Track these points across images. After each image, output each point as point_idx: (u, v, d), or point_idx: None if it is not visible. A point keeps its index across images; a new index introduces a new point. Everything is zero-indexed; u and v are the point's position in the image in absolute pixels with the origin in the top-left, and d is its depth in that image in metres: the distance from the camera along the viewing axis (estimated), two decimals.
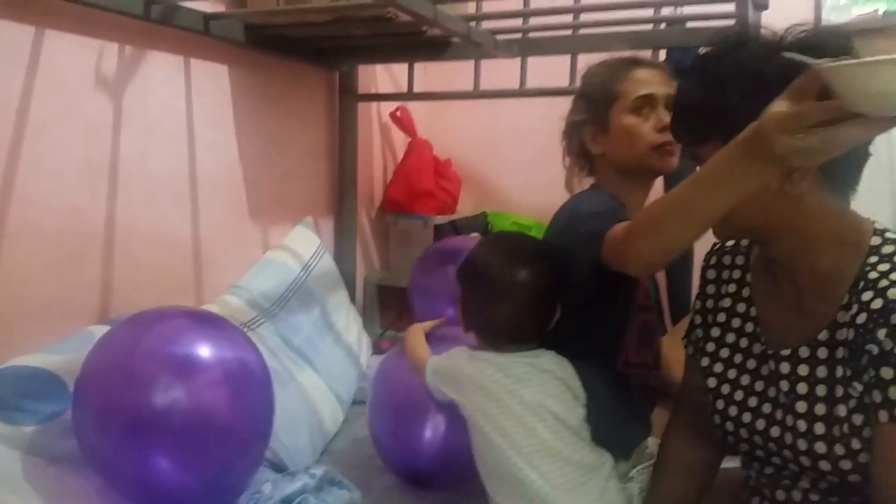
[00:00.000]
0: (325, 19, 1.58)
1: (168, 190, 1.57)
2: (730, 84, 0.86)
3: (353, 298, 2.14)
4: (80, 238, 1.37)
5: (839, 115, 0.66)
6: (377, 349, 2.10)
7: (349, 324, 1.97)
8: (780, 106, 0.70)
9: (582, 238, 1.09)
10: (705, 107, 0.89)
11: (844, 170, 0.88)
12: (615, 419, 1.16)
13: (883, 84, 0.62)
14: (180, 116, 1.59)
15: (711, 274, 1.06)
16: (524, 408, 1.05)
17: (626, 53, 1.37)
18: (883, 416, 0.81)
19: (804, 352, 0.90)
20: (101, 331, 1.34)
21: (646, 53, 1.76)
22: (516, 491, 1.03)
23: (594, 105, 1.29)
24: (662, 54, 1.91)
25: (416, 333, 1.34)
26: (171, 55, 1.56)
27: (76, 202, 1.36)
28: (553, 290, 1.12)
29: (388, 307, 2.43)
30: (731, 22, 1.57)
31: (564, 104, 2.05)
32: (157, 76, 1.52)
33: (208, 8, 1.55)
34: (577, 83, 1.84)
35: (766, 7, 1.48)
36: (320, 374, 1.70)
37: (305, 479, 1.24)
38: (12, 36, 1.23)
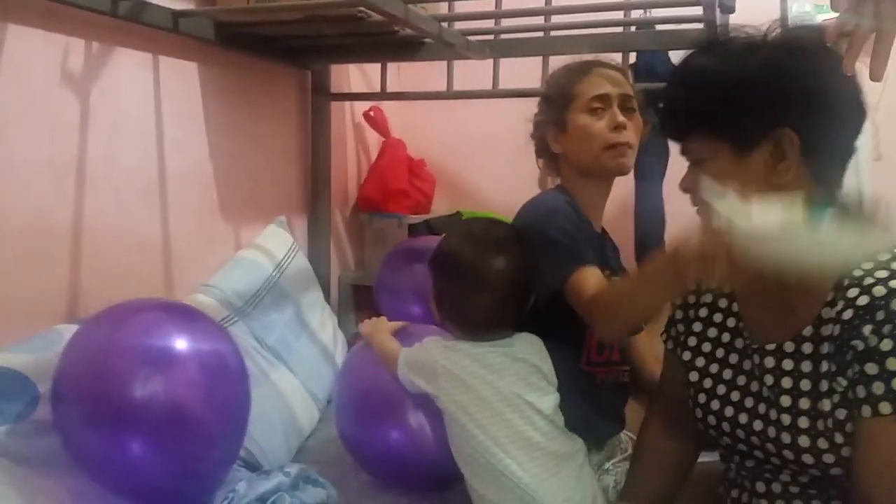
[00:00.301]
0: (295, 18, 1.58)
1: (137, 189, 1.55)
2: (709, 82, 0.91)
3: (327, 298, 2.13)
4: (46, 238, 1.34)
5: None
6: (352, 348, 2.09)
7: (324, 323, 1.96)
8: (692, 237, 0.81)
9: (545, 269, 1.14)
10: (688, 104, 0.94)
11: (829, 165, 0.91)
12: (579, 415, 1.17)
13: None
14: (149, 115, 1.58)
15: None
16: (500, 399, 1.06)
17: (591, 56, 1.40)
18: (866, 410, 0.82)
19: (789, 347, 0.91)
20: (70, 330, 1.32)
21: (616, 56, 1.79)
22: (494, 480, 1.05)
23: (554, 106, 1.34)
24: (632, 57, 1.94)
25: (383, 327, 1.33)
26: (140, 52, 1.54)
27: (42, 201, 1.33)
28: (526, 275, 1.12)
29: (363, 306, 2.43)
30: (700, 25, 1.61)
31: (536, 105, 2.08)
32: (125, 74, 1.50)
33: (177, 5, 1.53)
34: None
35: (732, 11, 1.50)
36: (294, 373, 1.70)
37: (280, 478, 1.24)
38: None
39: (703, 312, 1.05)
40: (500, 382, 1.07)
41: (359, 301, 2.42)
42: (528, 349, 1.13)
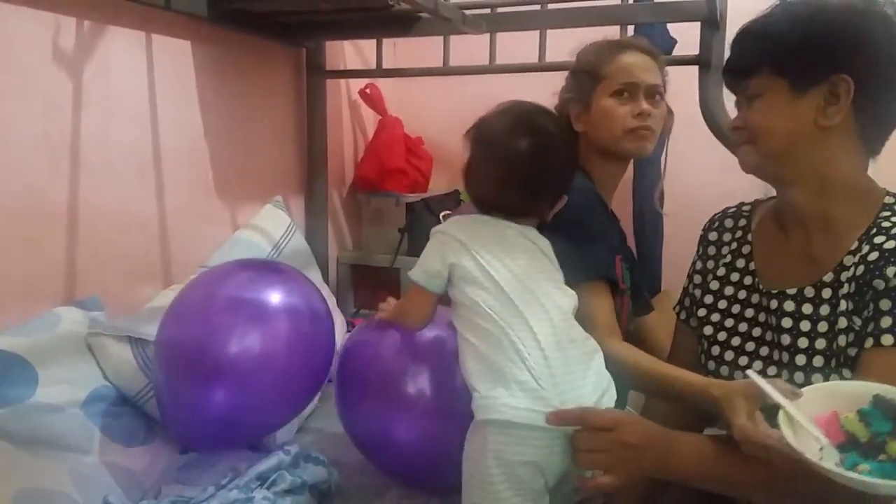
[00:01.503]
0: None
1: (131, 169, 1.54)
2: (785, 22, 0.96)
3: (325, 278, 2.13)
4: (41, 218, 1.33)
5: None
6: (352, 328, 2.09)
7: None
8: (740, 403, 0.83)
9: (574, 256, 1.12)
10: (761, 41, 0.97)
11: (876, 125, 0.96)
12: None
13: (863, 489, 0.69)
14: (142, 94, 1.56)
15: (713, 236, 1.14)
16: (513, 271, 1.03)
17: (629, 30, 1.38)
18: (868, 342, 0.87)
19: (809, 292, 0.96)
20: (67, 312, 1.32)
21: (614, 29, 1.77)
22: (510, 359, 0.96)
23: (581, 84, 1.32)
24: (631, 31, 1.92)
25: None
26: (132, 30, 1.52)
27: (36, 182, 1.32)
28: (553, 169, 1.08)
29: (362, 286, 2.43)
30: None
31: (534, 80, 2.06)
32: (118, 52, 1.48)
33: None
34: (547, 59, 1.86)
35: None
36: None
37: (281, 456, 1.24)
38: None
39: (721, 272, 1.09)
40: (513, 263, 1.03)
41: (357, 281, 2.41)
42: (539, 237, 1.09)
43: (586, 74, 1.32)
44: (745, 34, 1.01)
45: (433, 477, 1.25)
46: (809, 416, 0.77)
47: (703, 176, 2.15)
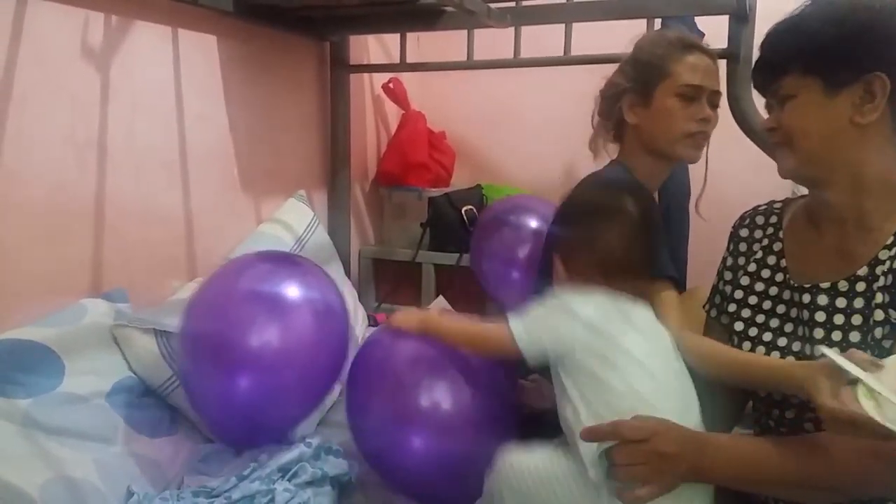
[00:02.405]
0: None
1: (157, 163, 1.55)
2: (817, 22, 0.94)
3: (347, 272, 2.14)
4: (68, 213, 1.35)
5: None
6: (373, 322, 2.10)
7: (344, 297, 1.96)
8: (823, 383, 0.80)
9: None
10: (793, 41, 0.96)
11: None
12: None
13: None
14: (169, 88, 1.57)
15: (744, 233, 1.13)
16: (643, 355, 0.98)
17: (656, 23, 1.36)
18: None
19: (843, 286, 0.95)
20: (94, 304, 1.34)
21: (641, 23, 1.74)
22: None
23: (642, 76, 1.29)
24: (658, 24, 1.90)
25: (433, 314, 1.19)
26: (159, 25, 1.53)
27: (63, 177, 1.34)
28: (654, 222, 1.08)
29: (384, 280, 2.43)
30: None
31: (559, 74, 2.05)
32: (145, 47, 1.50)
33: None
34: (572, 52, 1.84)
35: None
36: None
37: (302, 448, 1.25)
38: None
39: (752, 267, 1.08)
40: (641, 338, 0.99)
41: (379, 275, 2.42)
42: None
43: (651, 67, 1.28)
44: (777, 33, 1.00)
45: (441, 495, 1.20)
46: (892, 387, 0.75)
47: (730, 171, 2.12)
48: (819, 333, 0.96)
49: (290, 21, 1.86)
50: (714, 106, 1.30)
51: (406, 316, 1.19)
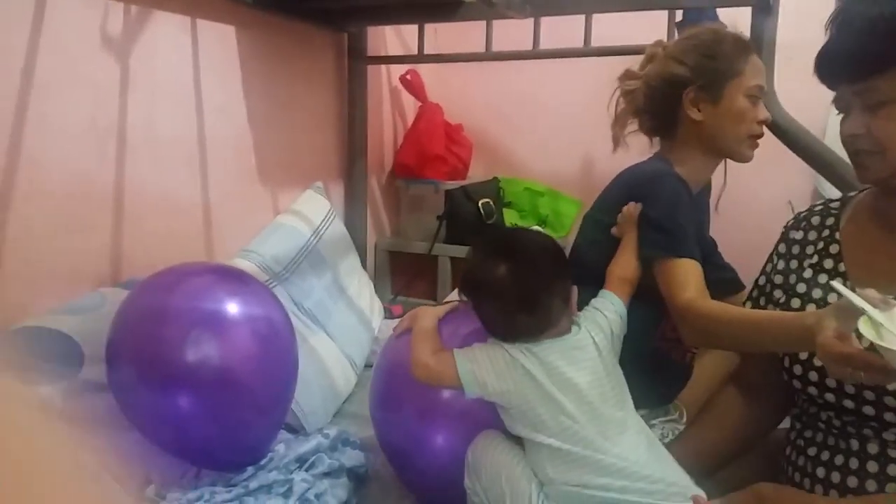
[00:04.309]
0: None
1: (177, 153, 1.55)
2: None
3: (363, 264, 2.14)
4: (88, 201, 1.36)
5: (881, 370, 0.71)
6: (389, 314, 2.10)
7: (361, 288, 1.97)
8: (830, 323, 0.78)
9: (643, 248, 1.13)
10: (883, 41, 0.85)
11: None
12: (640, 384, 1.14)
13: None
14: (188, 78, 1.57)
15: (797, 235, 1.07)
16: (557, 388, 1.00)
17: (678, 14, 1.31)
18: None
19: None
20: (113, 293, 1.35)
21: (662, 14, 1.72)
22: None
23: (713, 72, 1.24)
24: (679, 15, 1.87)
25: (430, 319, 1.19)
26: (178, 15, 1.53)
27: (84, 165, 1.35)
28: (547, 273, 1.04)
29: (399, 273, 2.43)
30: None
31: (578, 66, 2.03)
32: (164, 37, 1.50)
33: None
34: (592, 44, 1.82)
35: None
36: (333, 338, 1.71)
37: (319, 439, 1.25)
38: None
39: (808, 273, 1.03)
40: (558, 377, 1.01)
41: (395, 267, 2.42)
42: (586, 336, 1.06)
43: (721, 63, 1.23)
44: (872, 21, 0.87)
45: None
46: None
47: (752, 167, 2.09)
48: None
49: (308, 12, 1.86)
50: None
51: (411, 316, 1.19)
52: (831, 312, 0.80)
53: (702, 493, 0.93)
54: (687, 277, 1.11)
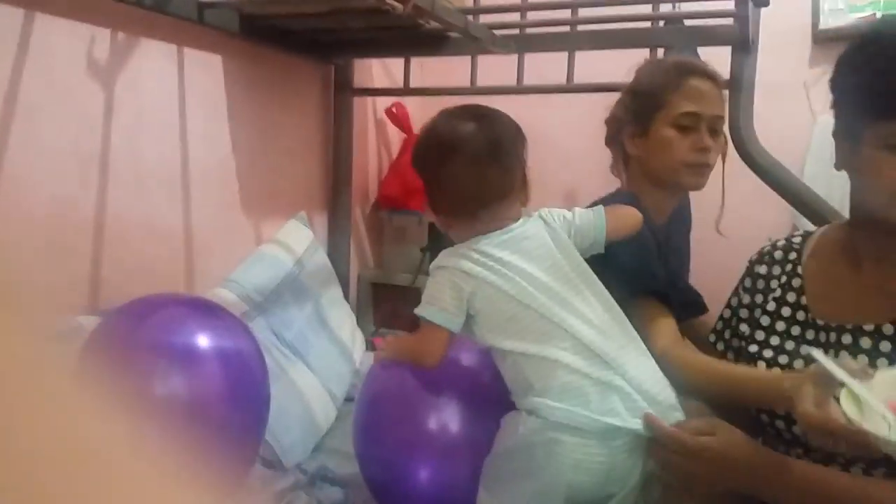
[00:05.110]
0: (321, 10, 1.56)
1: (159, 180, 1.54)
2: None
3: (346, 295, 2.12)
4: (69, 227, 1.34)
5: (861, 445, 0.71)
6: (371, 346, 2.08)
7: (342, 320, 1.95)
8: (808, 390, 0.77)
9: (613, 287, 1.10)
10: None
11: None
12: None
13: None
14: (173, 106, 1.57)
15: (762, 269, 1.08)
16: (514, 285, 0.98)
17: (682, 57, 1.35)
18: None
19: (888, 329, 0.90)
20: (90, 321, 1.32)
21: (643, 53, 1.76)
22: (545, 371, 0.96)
23: (639, 106, 1.28)
24: (660, 53, 1.91)
25: (404, 337, 1.20)
26: (165, 43, 1.53)
27: (66, 191, 1.33)
28: (509, 135, 1.05)
29: (382, 304, 2.41)
30: (730, 21, 1.57)
31: (562, 101, 2.06)
32: (150, 64, 1.50)
33: None
34: (575, 80, 1.85)
35: (766, 4, 1.47)
36: (313, 370, 1.68)
37: (297, 475, 1.23)
38: (1, 18, 1.20)
39: (772, 306, 1.04)
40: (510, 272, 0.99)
41: (378, 299, 2.40)
42: (537, 221, 1.04)
43: (648, 97, 1.26)
44: None
45: None
46: (883, 401, 0.72)
47: (731, 202, 2.12)
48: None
49: (295, 43, 1.87)
50: (716, 131, 1.27)
51: (385, 346, 1.18)
52: (809, 378, 0.80)
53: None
54: (662, 322, 1.11)
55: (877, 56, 0.87)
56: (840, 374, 0.74)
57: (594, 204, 1.26)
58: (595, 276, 1.02)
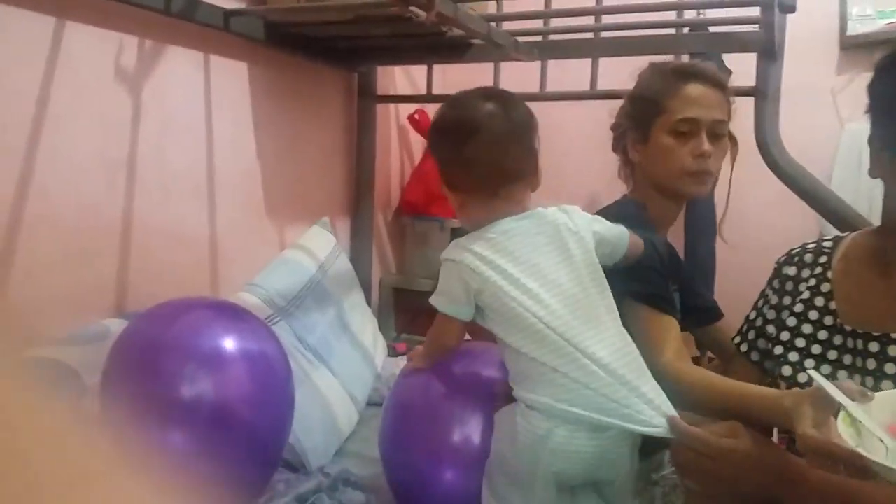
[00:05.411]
0: (345, 18, 1.58)
1: (185, 186, 1.56)
2: None
3: (368, 300, 2.13)
4: (96, 232, 1.36)
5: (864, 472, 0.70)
6: (392, 352, 2.08)
7: (364, 325, 1.96)
8: (807, 411, 0.76)
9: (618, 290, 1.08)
10: None
11: None
12: None
13: None
14: (199, 113, 1.59)
15: (791, 271, 1.08)
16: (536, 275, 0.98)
17: (684, 59, 1.35)
18: None
19: None
20: (116, 324, 1.34)
21: (668, 58, 1.75)
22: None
23: (640, 112, 1.27)
24: (685, 60, 1.90)
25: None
26: (191, 51, 1.56)
27: (93, 196, 1.35)
28: (525, 116, 1.06)
29: (404, 310, 2.42)
30: (756, 27, 1.56)
31: (585, 108, 2.05)
32: (177, 71, 1.52)
33: (228, 4, 1.55)
34: (598, 87, 1.85)
35: (793, 10, 1.46)
36: (335, 374, 1.69)
37: (320, 478, 1.23)
38: (33, 27, 1.23)
39: (800, 308, 1.03)
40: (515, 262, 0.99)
41: (399, 304, 2.41)
42: (561, 217, 1.03)
43: (646, 103, 1.26)
44: None
45: None
46: (882, 424, 0.71)
47: (756, 209, 2.10)
48: (888, 386, 0.90)
49: (319, 51, 1.89)
50: (717, 136, 1.24)
51: (415, 356, 1.20)
52: (808, 399, 0.79)
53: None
54: (666, 336, 1.10)
55: None
56: (838, 396, 0.74)
57: (600, 211, 1.25)
58: (608, 285, 1.01)
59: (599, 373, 0.92)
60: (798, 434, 0.76)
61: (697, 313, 1.34)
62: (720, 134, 1.25)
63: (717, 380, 1.02)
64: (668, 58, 1.58)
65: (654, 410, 0.92)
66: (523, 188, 1.04)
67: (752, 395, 0.93)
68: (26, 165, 1.23)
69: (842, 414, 0.72)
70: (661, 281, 1.16)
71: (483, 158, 1.00)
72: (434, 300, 1.06)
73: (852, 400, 0.74)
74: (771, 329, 1.07)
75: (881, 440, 0.70)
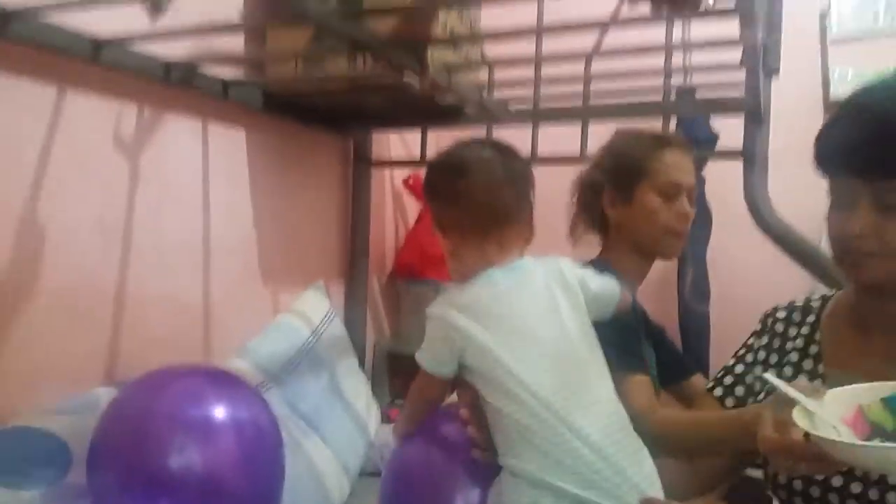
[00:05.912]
0: (342, 87, 1.61)
1: (181, 253, 1.56)
2: None
3: (362, 364, 2.10)
4: (89, 299, 1.35)
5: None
6: (386, 418, 2.04)
7: (358, 391, 1.93)
8: (767, 415, 0.77)
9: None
10: None
11: None
12: None
13: (883, 463, 0.69)
14: (197, 180, 1.61)
15: (779, 327, 1.07)
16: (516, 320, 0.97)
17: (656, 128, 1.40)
18: None
19: None
20: (108, 393, 1.32)
21: (656, 122, 1.79)
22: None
23: (620, 173, 1.32)
24: (673, 123, 1.94)
25: None
26: (190, 119, 1.58)
27: (88, 262, 1.35)
28: (523, 167, 1.07)
29: (398, 374, 2.39)
30: (741, 92, 1.60)
31: (575, 172, 2.08)
32: (175, 139, 1.54)
33: (227, 74, 1.58)
34: (588, 151, 1.88)
35: (777, 73, 1.50)
36: (327, 443, 1.65)
37: None
38: (35, 96, 1.25)
39: (789, 371, 1.01)
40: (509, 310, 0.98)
41: (394, 369, 2.38)
42: (554, 270, 1.03)
43: (630, 163, 1.31)
44: (885, 128, 0.84)
45: None
46: (836, 416, 0.74)
47: (749, 269, 2.11)
48: None
49: (316, 117, 1.92)
50: (691, 200, 1.32)
51: (398, 418, 1.18)
52: (767, 407, 0.80)
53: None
54: (638, 392, 1.12)
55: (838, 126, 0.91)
56: (792, 392, 0.76)
57: None
58: (598, 343, 1.00)
59: (584, 450, 0.89)
60: (758, 437, 0.76)
61: (671, 367, 1.37)
62: (692, 198, 1.33)
63: (685, 414, 1.05)
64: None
65: (638, 494, 0.90)
66: (516, 236, 1.04)
67: (716, 420, 0.95)
68: (22, 230, 1.23)
69: (797, 408, 0.74)
70: (636, 348, 1.18)
71: (476, 196, 1.01)
72: (419, 356, 1.04)
73: (806, 396, 0.75)
74: (750, 379, 1.06)
75: (835, 427, 0.73)
